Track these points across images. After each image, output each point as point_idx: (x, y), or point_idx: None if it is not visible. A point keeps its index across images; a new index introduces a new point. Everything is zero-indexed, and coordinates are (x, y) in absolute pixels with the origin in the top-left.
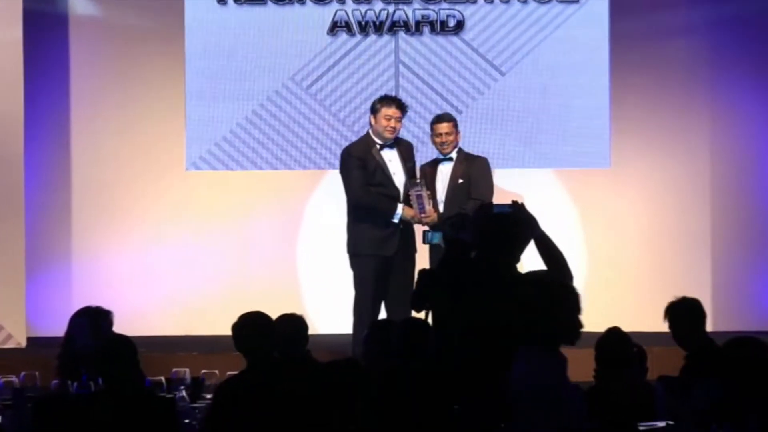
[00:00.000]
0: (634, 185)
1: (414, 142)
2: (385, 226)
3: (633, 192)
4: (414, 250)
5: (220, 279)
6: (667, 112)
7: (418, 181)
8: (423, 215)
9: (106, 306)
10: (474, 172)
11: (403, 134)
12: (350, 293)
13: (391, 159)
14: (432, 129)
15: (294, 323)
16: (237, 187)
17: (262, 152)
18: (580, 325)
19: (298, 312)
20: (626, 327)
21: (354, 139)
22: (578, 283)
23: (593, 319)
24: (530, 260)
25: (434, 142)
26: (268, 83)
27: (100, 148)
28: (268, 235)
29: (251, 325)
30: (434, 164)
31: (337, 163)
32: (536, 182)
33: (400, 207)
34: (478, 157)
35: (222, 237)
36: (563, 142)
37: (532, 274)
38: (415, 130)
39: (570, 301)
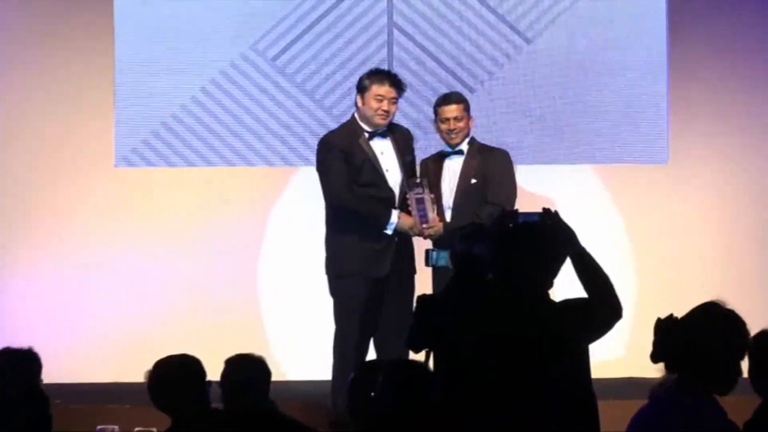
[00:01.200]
0: (698, 186)
1: (413, 129)
2: (375, 238)
3: (697, 195)
4: (413, 270)
5: (161, 309)
6: (742, 96)
7: (418, 180)
8: (425, 225)
9: (8, 344)
10: (491, 168)
11: (399, 120)
12: (330, 326)
13: (384, 151)
14: (436, 113)
15: (249, 368)
16: (181, 188)
17: (215, 144)
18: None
19: (260, 352)
20: None
21: (335, 125)
22: (627, 314)
23: (647, 362)
24: (564, 283)
25: (439, 130)
26: (221, 53)
27: (1, 136)
28: (222, 250)
29: (169, 372)
30: (439, 159)
31: (313, 157)
32: (572, 182)
33: (395, 214)
34: (495, 149)
35: (163, 253)
36: (607, 132)
37: (570, 303)
38: (414, 114)
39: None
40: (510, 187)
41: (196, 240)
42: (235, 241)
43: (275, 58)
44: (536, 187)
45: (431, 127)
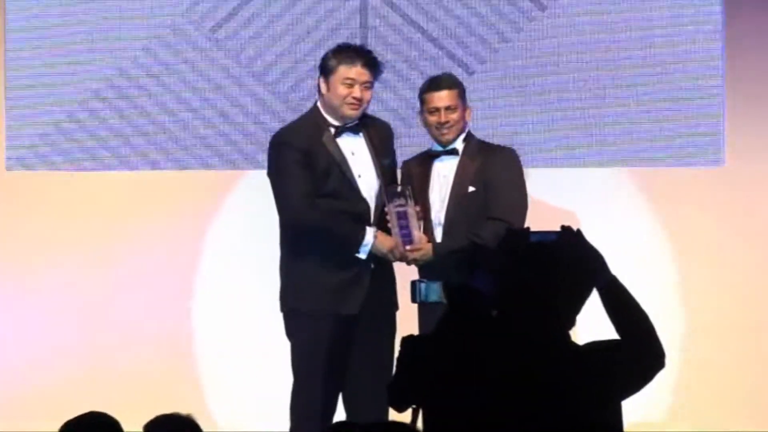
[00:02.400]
0: (764, 194)
1: (393, 122)
2: (344, 265)
3: (763, 205)
4: (393, 306)
5: (66, 351)
6: None
7: (400, 188)
8: (409, 247)
9: None
10: (494, 173)
11: (375, 110)
12: (287, 378)
13: (356, 151)
14: (423, 101)
15: (174, 428)
16: (93, 199)
17: (137, 142)
18: None
19: (194, 409)
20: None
21: (292, 118)
22: (671, 361)
23: (697, 421)
24: (588, 321)
25: (427, 123)
26: (144, 25)
27: None
28: (146, 277)
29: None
30: (427, 161)
31: (263, 158)
32: (601, 190)
33: (370, 233)
34: (499, 148)
35: (69, 280)
36: (647, 126)
37: (597, 347)
38: (395, 102)
39: None
40: (518, 198)
41: (114, 264)
42: (163, 265)
43: (214, 30)
44: (553, 197)
45: (416, 120)
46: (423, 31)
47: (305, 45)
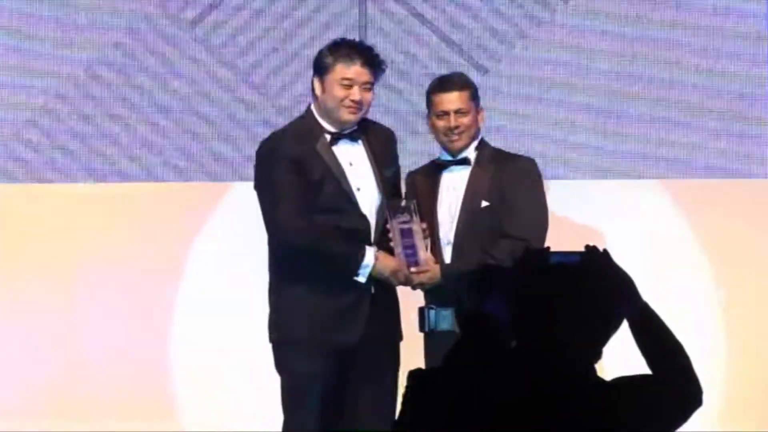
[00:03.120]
0: None
1: (396, 128)
2: (341, 290)
3: None
4: (397, 336)
5: (40, 373)
6: None
7: (404, 203)
8: (414, 269)
9: None
10: (510, 185)
11: (376, 115)
12: (275, 415)
13: (354, 161)
14: (430, 103)
15: None
16: (61, 213)
17: (107, 150)
18: None
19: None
20: None
21: (283, 123)
22: (709, 399)
23: None
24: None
25: (435, 129)
26: (115, 17)
27: None
28: (120, 301)
29: None
30: (435, 171)
31: (250, 170)
32: (629, 205)
33: (370, 253)
34: (517, 157)
35: (35, 305)
36: (684, 134)
37: (626, 382)
38: (399, 105)
39: None
40: (537, 214)
41: (83, 288)
42: (140, 288)
43: (195, 23)
44: (577, 213)
45: (424, 125)
46: (430, 25)
47: (296, 42)
